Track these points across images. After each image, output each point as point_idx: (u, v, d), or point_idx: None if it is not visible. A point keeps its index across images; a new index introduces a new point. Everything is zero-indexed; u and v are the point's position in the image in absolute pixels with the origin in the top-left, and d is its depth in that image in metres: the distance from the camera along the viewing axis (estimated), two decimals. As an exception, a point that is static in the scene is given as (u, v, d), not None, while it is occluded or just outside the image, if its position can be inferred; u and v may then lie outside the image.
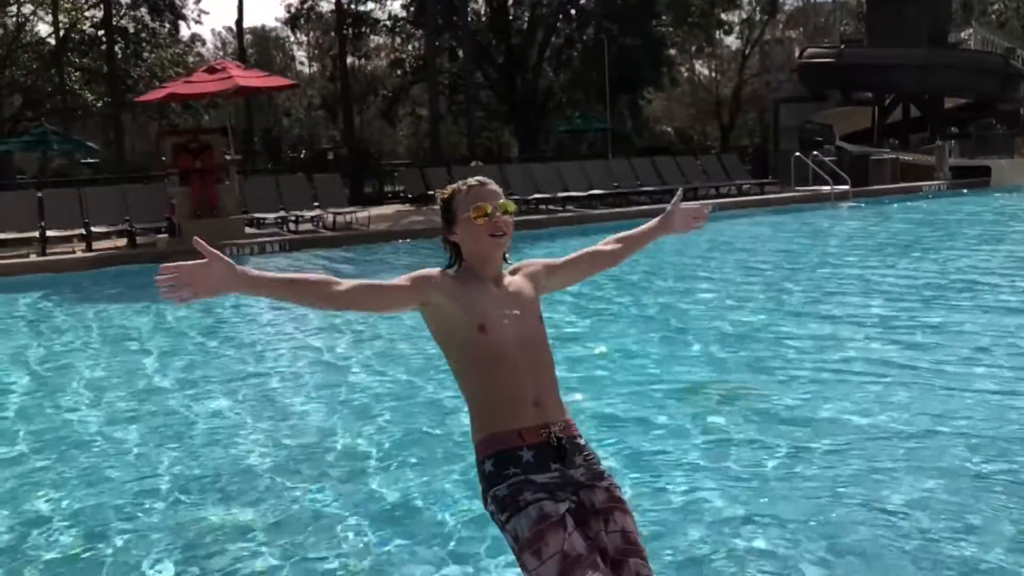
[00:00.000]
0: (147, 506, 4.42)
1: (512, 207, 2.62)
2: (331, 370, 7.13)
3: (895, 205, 20.53)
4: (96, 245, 15.36)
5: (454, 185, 2.64)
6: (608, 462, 4.78)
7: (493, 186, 2.63)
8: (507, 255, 2.66)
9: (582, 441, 2.53)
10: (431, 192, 21.66)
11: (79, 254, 14.97)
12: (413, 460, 4.82)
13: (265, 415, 5.87)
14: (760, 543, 3.72)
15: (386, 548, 3.79)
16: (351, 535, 3.94)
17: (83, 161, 32.82)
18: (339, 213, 18.06)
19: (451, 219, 2.62)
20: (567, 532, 2.29)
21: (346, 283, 2.44)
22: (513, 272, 2.73)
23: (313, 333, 8.64)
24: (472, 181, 2.63)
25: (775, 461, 4.61)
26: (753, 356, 6.88)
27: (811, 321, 8.14)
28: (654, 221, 3.15)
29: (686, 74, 49.49)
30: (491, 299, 2.53)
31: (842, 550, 3.63)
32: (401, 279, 2.51)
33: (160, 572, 3.72)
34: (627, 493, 3.83)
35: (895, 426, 5.07)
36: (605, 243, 3.04)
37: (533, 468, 2.38)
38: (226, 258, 2.32)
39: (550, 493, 2.35)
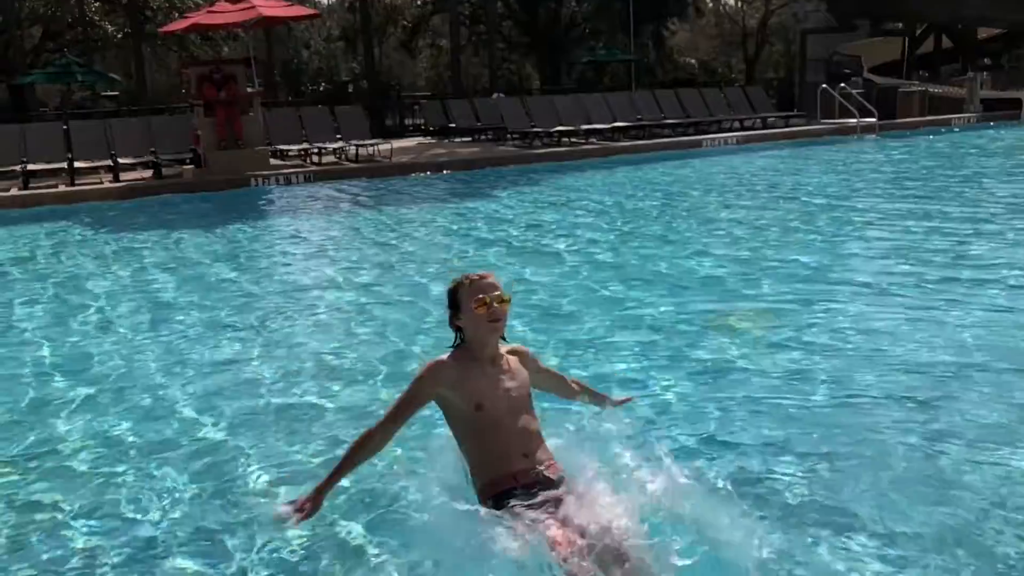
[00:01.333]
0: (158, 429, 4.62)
1: (507, 297, 3.17)
2: (361, 292, 7.31)
3: (920, 139, 20.22)
4: (122, 176, 15.52)
5: (458, 278, 3.20)
6: (642, 385, 4.94)
7: (492, 279, 3.18)
8: (504, 335, 3.24)
9: (563, 473, 3.09)
10: (452, 124, 21.74)
11: (107, 184, 15.13)
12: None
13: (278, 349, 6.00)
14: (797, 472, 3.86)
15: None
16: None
17: (104, 94, 32.83)
18: (362, 145, 18.08)
19: (457, 308, 3.19)
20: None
21: (378, 427, 3.11)
22: (511, 352, 3.31)
23: (339, 266, 8.78)
24: (474, 276, 3.18)
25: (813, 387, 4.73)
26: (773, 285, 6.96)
27: (832, 254, 8.18)
28: (600, 398, 3.70)
29: (711, 4, 48.29)
30: (487, 379, 3.13)
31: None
32: (410, 392, 3.14)
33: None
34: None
35: (915, 356, 5.17)
36: (571, 380, 3.69)
37: (526, 498, 2.95)
38: (305, 497, 3.02)
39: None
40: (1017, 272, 6.92)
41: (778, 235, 9.15)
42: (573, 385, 3.67)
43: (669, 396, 4.68)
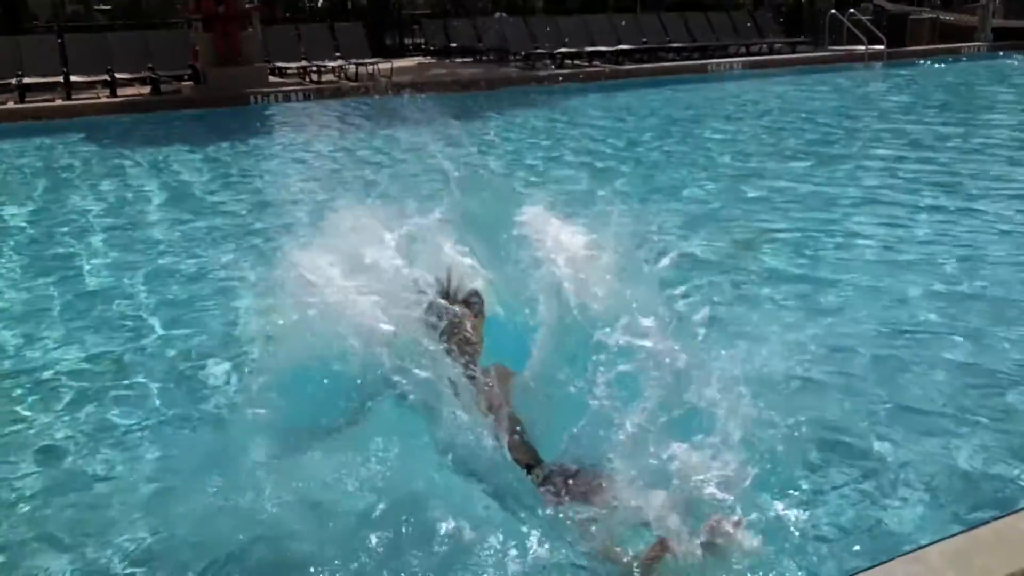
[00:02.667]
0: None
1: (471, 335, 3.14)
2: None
3: (926, 67, 19.92)
4: (120, 92, 15.33)
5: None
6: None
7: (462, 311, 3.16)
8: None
9: None
10: (453, 44, 21.33)
11: (104, 100, 14.97)
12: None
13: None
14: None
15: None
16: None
17: (97, 7, 32.09)
18: (361, 64, 17.81)
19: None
20: None
21: None
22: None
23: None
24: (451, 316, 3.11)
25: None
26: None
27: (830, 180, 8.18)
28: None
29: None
30: None
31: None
32: None
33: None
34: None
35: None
36: None
37: None
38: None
39: None
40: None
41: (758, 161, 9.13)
42: None
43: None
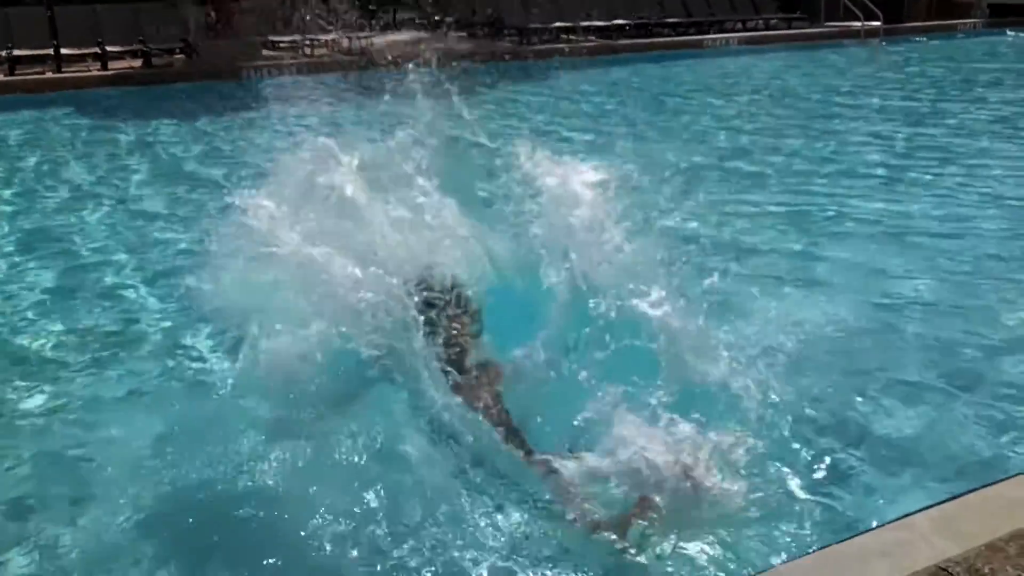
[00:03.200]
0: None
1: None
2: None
3: (921, 44, 19.86)
4: (111, 65, 15.18)
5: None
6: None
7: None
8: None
9: None
10: (448, 18, 21.18)
11: (95, 73, 14.83)
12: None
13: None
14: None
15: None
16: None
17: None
18: (355, 37, 17.67)
19: None
20: None
21: None
22: None
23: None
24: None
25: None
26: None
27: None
28: None
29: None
30: None
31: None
32: None
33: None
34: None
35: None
36: None
37: None
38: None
39: None
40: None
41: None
42: None
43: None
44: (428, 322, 3.17)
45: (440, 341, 3.18)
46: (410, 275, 3.34)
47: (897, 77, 14.60)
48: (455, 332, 3.22)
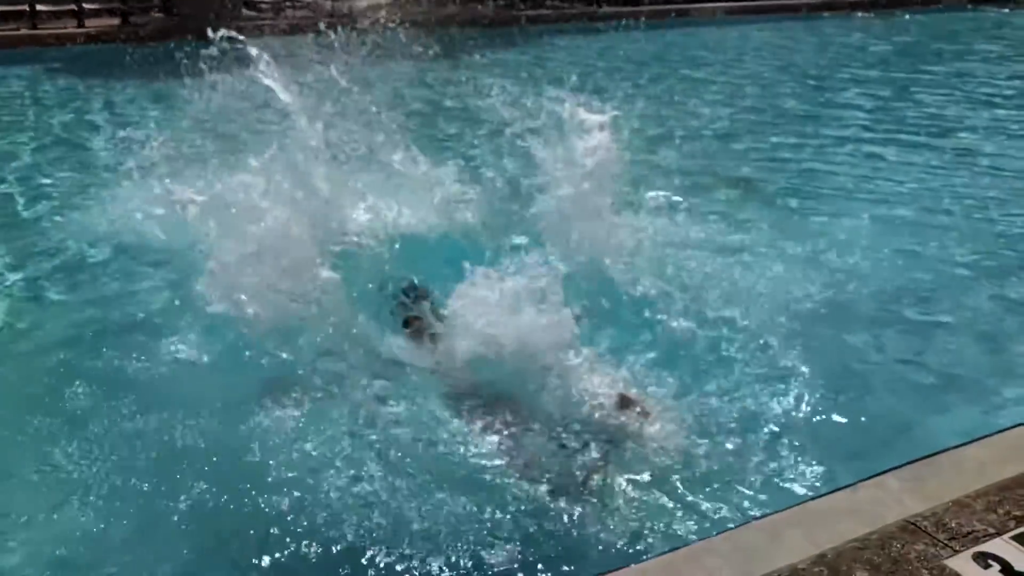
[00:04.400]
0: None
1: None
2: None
3: (901, 19, 19.88)
4: (87, 23, 14.89)
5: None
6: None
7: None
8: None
9: None
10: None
11: (70, 30, 14.55)
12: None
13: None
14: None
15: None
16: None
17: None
18: None
19: None
20: None
21: None
22: None
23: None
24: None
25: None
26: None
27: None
28: None
29: None
30: None
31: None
32: None
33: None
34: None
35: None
36: None
37: None
38: None
39: None
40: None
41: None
42: None
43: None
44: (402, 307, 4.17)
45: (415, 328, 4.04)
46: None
47: (875, 49, 14.62)
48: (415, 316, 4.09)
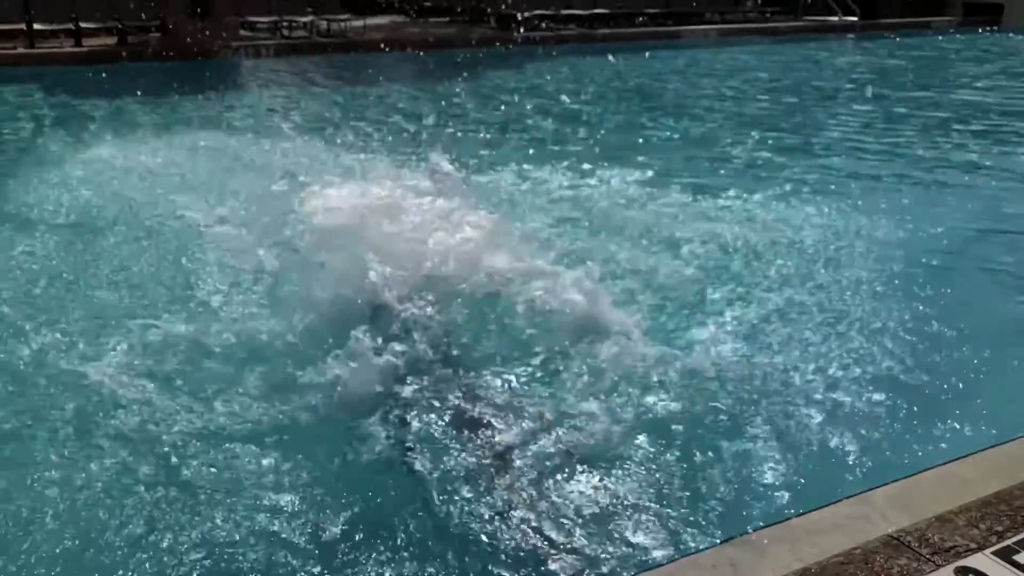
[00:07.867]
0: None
1: None
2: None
3: (893, 40, 20.08)
4: (85, 42, 14.97)
5: None
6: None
7: None
8: None
9: None
10: (427, 3, 21.00)
11: (68, 49, 14.63)
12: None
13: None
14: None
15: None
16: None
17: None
18: (333, 20, 17.56)
19: None
20: None
21: None
22: None
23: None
24: None
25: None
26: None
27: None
28: None
29: None
30: None
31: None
32: None
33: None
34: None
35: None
36: None
37: None
38: None
39: None
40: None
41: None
42: None
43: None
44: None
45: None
46: None
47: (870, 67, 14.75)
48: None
